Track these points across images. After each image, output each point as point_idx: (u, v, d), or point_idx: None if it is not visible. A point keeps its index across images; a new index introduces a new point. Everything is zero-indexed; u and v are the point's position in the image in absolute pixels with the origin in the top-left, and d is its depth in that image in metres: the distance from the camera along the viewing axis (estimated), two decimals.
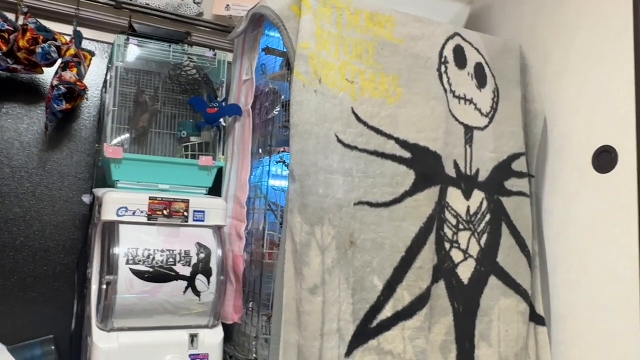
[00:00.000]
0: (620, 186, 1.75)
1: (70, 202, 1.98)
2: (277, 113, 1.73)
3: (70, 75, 1.80)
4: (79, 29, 1.89)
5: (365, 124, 1.61)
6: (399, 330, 1.58)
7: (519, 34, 2.11)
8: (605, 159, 1.80)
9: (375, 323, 1.56)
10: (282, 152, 1.68)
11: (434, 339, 1.66)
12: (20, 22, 1.78)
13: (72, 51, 1.83)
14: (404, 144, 1.66)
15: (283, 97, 1.74)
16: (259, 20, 1.76)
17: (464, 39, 1.85)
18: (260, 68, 1.84)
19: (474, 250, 1.76)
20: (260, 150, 1.80)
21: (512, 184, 1.86)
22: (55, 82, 1.80)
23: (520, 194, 1.87)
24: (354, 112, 1.60)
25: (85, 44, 1.93)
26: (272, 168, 1.74)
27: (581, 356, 1.81)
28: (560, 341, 1.87)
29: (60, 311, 1.92)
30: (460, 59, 1.82)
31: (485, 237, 1.78)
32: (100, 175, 1.94)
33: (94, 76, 2.04)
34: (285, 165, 1.67)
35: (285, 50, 1.69)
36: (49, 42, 1.78)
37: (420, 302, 1.61)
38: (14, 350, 1.78)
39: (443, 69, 1.76)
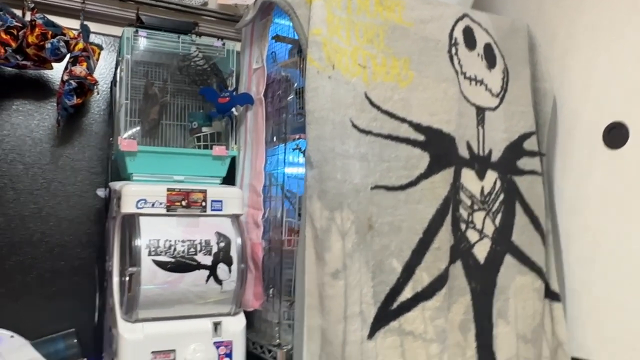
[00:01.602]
0: (631, 161, 1.76)
1: (84, 197, 1.99)
2: (290, 100, 1.74)
3: (80, 69, 1.80)
4: (85, 22, 1.88)
5: (378, 108, 1.62)
6: (419, 311, 1.60)
7: (526, 12, 2.11)
8: (616, 135, 1.82)
9: (395, 305, 1.58)
10: (298, 139, 1.69)
11: (452, 318, 1.68)
12: (28, 17, 1.78)
13: (81, 45, 1.83)
14: (417, 127, 1.67)
15: (295, 84, 1.74)
16: (267, 8, 1.76)
17: (472, 19, 1.85)
18: (270, 56, 1.84)
19: (489, 229, 1.78)
20: (274, 138, 1.81)
21: (524, 163, 1.88)
22: (66, 77, 1.80)
23: (532, 172, 1.89)
24: (367, 97, 1.60)
25: (92, 38, 1.92)
26: (287, 156, 1.75)
27: (596, 331, 1.84)
28: (575, 317, 1.90)
29: (80, 305, 1.93)
30: (470, 39, 1.82)
31: (499, 216, 1.80)
32: (114, 169, 1.94)
33: (102, 70, 2.04)
34: (302, 152, 1.68)
35: (295, 37, 1.69)
36: (57, 37, 1.78)
37: (439, 283, 1.63)
38: (37, 344, 1.79)
39: (453, 50, 1.77)
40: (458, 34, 1.79)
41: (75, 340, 1.87)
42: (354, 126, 1.57)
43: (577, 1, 1.96)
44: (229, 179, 1.87)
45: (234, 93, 1.85)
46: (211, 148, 1.82)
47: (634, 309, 1.73)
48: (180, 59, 1.95)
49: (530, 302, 1.82)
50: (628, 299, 1.75)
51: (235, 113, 1.89)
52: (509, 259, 1.80)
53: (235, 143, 1.88)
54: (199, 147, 1.88)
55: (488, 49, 1.87)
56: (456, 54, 1.77)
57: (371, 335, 1.53)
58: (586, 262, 1.88)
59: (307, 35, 1.55)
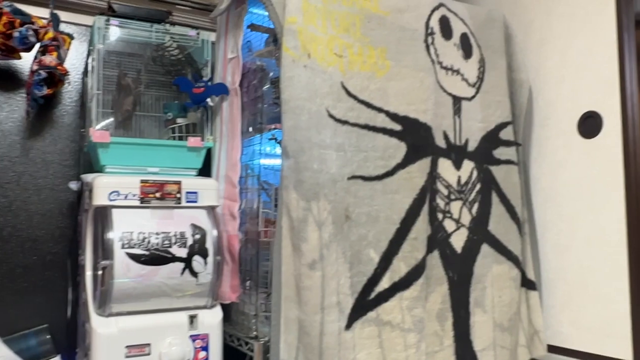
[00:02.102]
0: (605, 150, 1.78)
1: (56, 190, 1.95)
2: (265, 90, 1.72)
3: (50, 59, 1.76)
4: (55, 11, 1.83)
5: (355, 97, 1.61)
6: (397, 301, 1.60)
7: (502, 2, 2.11)
8: (590, 124, 1.83)
9: (373, 295, 1.58)
10: (273, 129, 1.67)
11: (430, 307, 1.68)
12: None
13: (50, 34, 1.78)
14: (394, 117, 1.66)
15: (271, 74, 1.72)
16: None
17: (448, 9, 1.85)
18: (246, 45, 1.81)
19: (466, 219, 1.78)
20: (250, 129, 1.79)
21: (500, 152, 1.88)
22: (35, 67, 1.75)
23: (508, 162, 1.90)
24: (343, 87, 1.59)
25: (62, 27, 1.87)
26: (263, 146, 1.73)
27: (571, 318, 1.86)
28: (551, 304, 1.92)
29: (53, 300, 1.89)
30: (446, 29, 1.82)
31: (476, 206, 1.81)
32: (86, 161, 1.90)
33: (73, 60, 1.99)
34: (277, 142, 1.66)
35: (271, 26, 1.67)
36: (26, 26, 1.73)
37: (416, 272, 1.63)
38: (9, 341, 1.75)
39: (429, 40, 1.76)
40: (434, 24, 1.79)
41: (48, 336, 1.83)
42: (331, 116, 1.55)
43: None
44: (205, 171, 1.84)
45: (209, 83, 1.82)
46: (186, 139, 1.79)
47: (608, 297, 1.75)
48: (154, 48, 1.91)
49: (506, 290, 1.83)
50: (602, 287, 1.77)
51: (211, 103, 1.86)
52: (485, 248, 1.81)
53: (211, 134, 1.85)
54: (174, 139, 1.85)
55: (464, 38, 1.87)
56: (432, 43, 1.77)
57: (349, 325, 1.52)
58: (561, 250, 1.90)
59: (282, 24, 1.53)
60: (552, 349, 1.89)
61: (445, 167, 1.76)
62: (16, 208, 1.89)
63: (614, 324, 1.73)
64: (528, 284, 1.91)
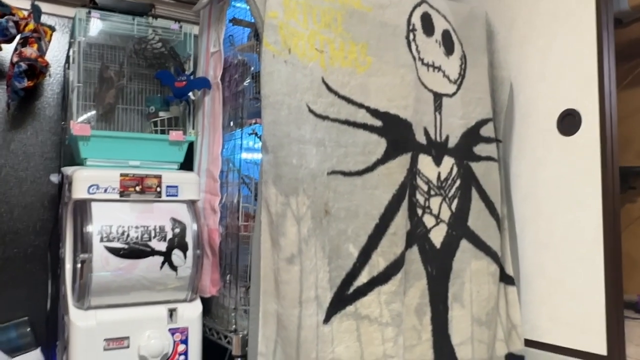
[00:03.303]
0: (584, 148, 1.80)
1: (37, 182, 1.94)
2: (247, 85, 1.72)
3: (30, 51, 1.75)
4: (36, 3, 1.82)
5: (335, 93, 1.61)
6: (375, 295, 1.61)
7: (485, 0, 2.12)
8: (569, 122, 1.86)
9: (351, 289, 1.59)
10: (254, 124, 1.67)
11: (409, 302, 1.70)
12: None
13: (31, 26, 1.77)
14: (374, 113, 1.67)
15: (252, 69, 1.72)
16: None
17: (430, 6, 1.86)
18: (228, 39, 1.81)
19: (445, 215, 1.80)
20: (232, 123, 1.79)
21: (480, 149, 1.90)
22: (15, 59, 1.74)
23: (488, 158, 1.91)
24: (324, 82, 1.59)
25: (44, 19, 1.86)
26: (244, 141, 1.73)
27: (549, 313, 1.88)
28: (529, 300, 1.94)
29: (34, 292, 1.89)
30: (428, 26, 1.83)
31: (455, 201, 1.82)
32: (67, 154, 1.90)
33: (55, 52, 1.98)
34: (258, 137, 1.67)
35: (252, 20, 1.67)
36: (6, 17, 1.72)
37: (394, 267, 1.65)
38: None
39: (411, 36, 1.77)
40: (416, 20, 1.80)
41: (28, 329, 1.83)
42: (311, 111, 1.56)
43: None
44: (187, 165, 1.84)
45: (191, 77, 1.82)
46: (168, 133, 1.79)
47: (585, 292, 1.78)
48: (136, 41, 1.90)
49: (485, 285, 1.86)
50: (579, 283, 1.80)
51: (193, 97, 1.86)
52: (464, 244, 1.82)
53: (193, 128, 1.85)
54: (156, 132, 1.85)
55: (446, 35, 1.88)
56: (414, 40, 1.77)
57: (327, 319, 1.53)
58: (540, 246, 1.92)
59: (263, 19, 1.53)
60: (530, 343, 1.92)
61: (425, 163, 1.77)
62: None
63: (589, 319, 1.76)
64: (506, 279, 1.93)
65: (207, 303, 1.74)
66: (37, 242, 1.92)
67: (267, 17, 1.52)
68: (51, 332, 1.83)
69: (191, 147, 1.85)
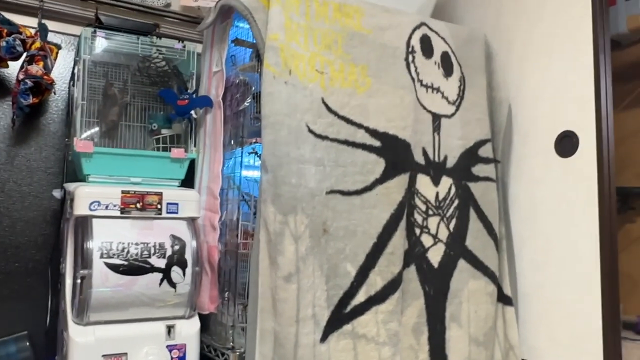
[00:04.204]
0: (581, 169, 1.82)
1: (40, 197, 1.96)
2: (247, 104, 1.75)
3: (36, 68, 1.78)
4: (43, 21, 1.86)
5: (335, 113, 1.64)
6: (372, 314, 1.62)
7: (484, 22, 2.16)
8: (567, 144, 1.87)
9: (349, 308, 1.60)
10: (254, 143, 1.70)
11: (406, 321, 1.71)
12: None
13: (38, 44, 1.81)
14: (373, 133, 1.69)
15: (254, 89, 1.75)
16: (227, 12, 1.77)
17: (430, 28, 1.89)
18: (230, 59, 1.84)
19: (443, 234, 1.81)
20: (232, 142, 1.81)
21: (478, 169, 1.92)
22: (21, 76, 1.77)
23: (486, 179, 1.93)
24: (324, 102, 1.62)
25: (50, 37, 1.90)
26: (244, 159, 1.75)
27: (547, 334, 1.88)
28: (527, 320, 1.94)
29: (34, 307, 1.90)
30: (427, 48, 1.85)
31: (453, 221, 1.84)
32: (71, 170, 1.92)
33: (61, 69, 2.01)
34: (257, 156, 1.69)
35: (254, 41, 1.70)
36: (13, 35, 1.76)
37: (392, 287, 1.66)
38: None
39: (410, 58, 1.80)
40: (415, 42, 1.82)
41: (28, 343, 1.84)
42: (311, 131, 1.58)
43: (535, 10, 2.01)
44: (188, 182, 1.87)
45: (194, 95, 1.85)
46: (170, 150, 1.81)
47: (582, 313, 1.78)
48: (140, 60, 1.94)
49: (483, 305, 1.86)
50: (577, 303, 1.80)
51: (195, 116, 1.89)
52: (462, 264, 1.83)
53: (195, 146, 1.88)
54: (159, 149, 1.87)
55: (445, 57, 1.90)
56: (413, 61, 1.80)
57: (324, 338, 1.54)
58: (538, 266, 1.93)
59: (264, 40, 1.56)
60: None
61: (423, 183, 1.79)
62: None
63: (587, 340, 1.76)
64: (504, 300, 1.93)
65: (205, 320, 1.74)
66: (38, 256, 1.94)
67: (269, 39, 1.55)
68: (50, 347, 1.84)
69: (192, 164, 1.87)
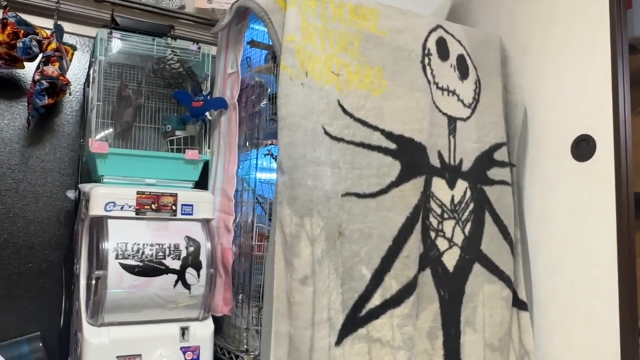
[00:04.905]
0: (598, 174, 1.80)
1: (54, 198, 1.97)
2: (263, 106, 1.74)
3: (52, 69, 1.78)
4: (59, 22, 1.86)
5: (351, 115, 1.63)
6: (387, 318, 1.61)
7: (499, 25, 2.14)
8: (583, 148, 1.85)
9: (364, 312, 1.59)
10: (270, 144, 1.69)
11: (421, 325, 1.69)
12: None
13: (54, 45, 1.81)
14: (389, 135, 1.68)
15: (269, 90, 1.75)
16: (243, 13, 1.76)
17: (446, 30, 1.88)
18: (245, 61, 1.84)
19: (459, 238, 1.80)
20: (247, 143, 1.81)
21: (494, 173, 1.90)
22: (37, 77, 1.78)
23: (502, 182, 1.91)
24: (340, 104, 1.61)
25: (66, 38, 1.90)
26: (259, 161, 1.75)
27: (562, 339, 1.86)
28: (542, 325, 1.92)
29: (47, 308, 1.90)
30: (443, 50, 1.85)
31: (469, 225, 1.82)
32: (85, 171, 1.92)
33: (76, 70, 2.02)
34: (273, 158, 1.68)
35: (270, 43, 1.70)
36: (29, 36, 1.76)
37: (407, 290, 1.64)
38: (1, 348, 1.77)
39: (426, 60, 1.79)
40: (431, 45, 1.82)
41: (40, 344, 1.84)
42: (326, 133, 1.58)
43: (549, 13, 2.00)
44: (202, 183, 1.86)
45: (208, 97, 1.85)
46: (184, 152, 1.81)
47: (599, 319, 1.76)
48: (155, 61, 1.94)
49: (498, 310, 1.84)
50: (593, 309, 1.78)
51: (209, 117, 1.89)
52: (477, 268, 1.82)
53: (209, 147, 1.87)
54: (172, 151, 1.87)
55: (461, 60, 1.89)
56: (429, 64, 1.79)
57: (339, 342, 1.53)
58: (553, 271, 1.91)
59: (281, 42, 1.56)
60: None
61: (439, 186, 1.77)
62: (13, 215, 1.90)
63: (603, 346, 1.74)
64: (519, 305, 1.92)
65: (218, 322, 1.74)
66: (51, 257, 1.94)
67: (285, 41, 1.55)
68: (63, 348, 1.84)
69: (206, 166, 1.87)
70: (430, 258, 1.73)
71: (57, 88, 1.82)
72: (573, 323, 1.84)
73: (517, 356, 1.89)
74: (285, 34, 1.55)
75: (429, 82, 1.78)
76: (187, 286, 1.58)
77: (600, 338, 1.75)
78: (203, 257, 1.61)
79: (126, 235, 1.54)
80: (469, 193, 1.83)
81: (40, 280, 1.92)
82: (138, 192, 1.59)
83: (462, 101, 1.87)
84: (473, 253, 1.82)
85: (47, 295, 1.91)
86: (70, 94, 1.97)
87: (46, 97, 1.80)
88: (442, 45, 1.85)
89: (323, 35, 1.63)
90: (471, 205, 1.83)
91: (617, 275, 1.72)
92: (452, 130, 1.83)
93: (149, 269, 1.53)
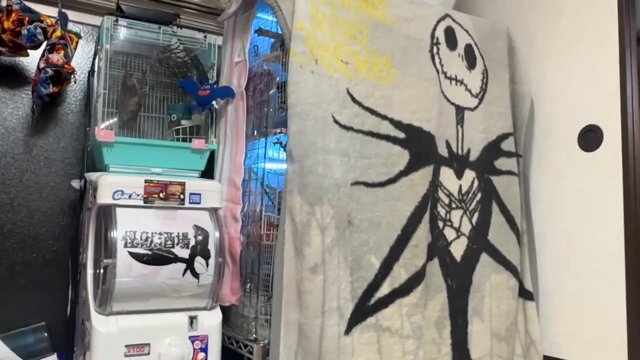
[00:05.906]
0: (605, 164, 1.80)
1: (58, 188, 1.95)
2: (271, 94, 1.73)
3: (57, 57, 1.77)
4: (63, 10, 1.84)
5: (360, 104, 1.62)
6: (396, 307, 1.61)
7: (506, 15, 2.14)
8: (590, 138, 1.85)
9: (373, 300, 1.58)
10: (279, 133, 1.68)
11: (429, 315, 1.69)
12: (4, 3, 1.73)
13: (58, 33, 1.79)
14: (398, 124, 1.67)
15: (277, 79, 1.74)
16: (250, 2, 1.75)
17: (454, 20, 1.87)
18: (252, 50, 1.83)
19: (466, 228, 1.80)
20: (255, 132, 1.80)
21: (501, 163, 1.90)
22: (42, 65, 1.76)
23: (509, 172, 1.91)
24: (349, 93, 1.60)
25: (70, 26, 1.88)
26: (267, 150, 1.74)
27: (568, 329, 1.87)
28: (548, 315, 1.93)
29: (51, 297, 1.89)
30: (451, 40, 1.84)
31: (476, 215, 1.82)
32: (90, 160, 1.91)
33: (79, 59, 2.00)
34: (282, 147, 1.67)
35: (278, 31, 1.69)
36: (34, 24, 1.74)
37: (416, 279, 1.64)
38: (6, 338, 1.75)
39: (435, 50, 1.78)
40: (440, 34, 1.81)
41: (45, 334, 1.82)
42: (336, 122, 1.57)
43: (556, 5, 2.00)
44: (208, 173, 1.85)
45: (215, 86, 1.83)
46: (190, 141, 1.80)
47: (605, 309, 1.76)
48: (160, 50, 1.92)
49: (504, 300, 1.85)
50: (600, 299, 1.78)
51: (216, 106, 1.87)
52: (484, 258, 1.82)
53: (215, 136, 1.86)
54: (178, 140, 1.85)
55: (469, 49, 1.89)
56: (437, 53, 1.79)
57: (348, 330, 1.53)
58: (560, 262, 1.91)
59: (290, 29, 1.55)
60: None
61: (447, 175, 1.77)
62: (18, 205, 1.89)
63: (610, 336, 1.75)
64: (526, 295, 1.92)
65: (226, 312, 1.73)
66: (55, 247, 1.93)
67: (295, 28, 1.54)
68: (69, 338, 1.82)
69: (212, 155, 1.85)
70: (438, 248, 1.73)
71: (62, 76, 1.80)
72: (580, 313, 1.84)
73: (523, 346, 1.89)
74: (295, 21, 1.54)
75: (437, 71, 1.77)
76: (195, 275, 1.57)
77: (607, 328, 1.76)
78: (211, 246, 1.60)
79: (135, 224, 1.53)
80: (476, 183, 1.83)
81: (44, 271, 1.90)
82: (146, 181, 1.58)
83: (469, 91, 1.86)
84: (480, 243, 1.82)
85: (52, 285, 1.90)
86: (74, 82, 1.95)
87: (51, 85, 1.78)
88: (450, 34, 1.84)
89: (332, 23, 1.62)
90: (479, 195, 1.83)
91: (624, 265, 1.73)
92: (460, 120, 1.83)
93: (158, 257, 1.52)
